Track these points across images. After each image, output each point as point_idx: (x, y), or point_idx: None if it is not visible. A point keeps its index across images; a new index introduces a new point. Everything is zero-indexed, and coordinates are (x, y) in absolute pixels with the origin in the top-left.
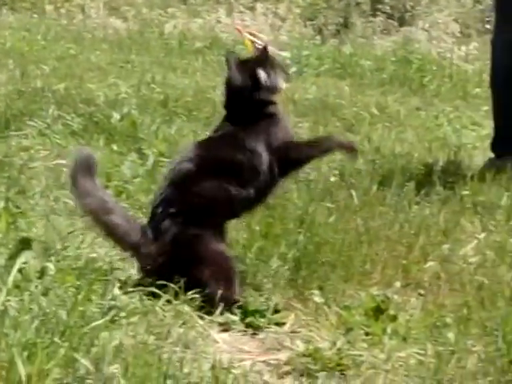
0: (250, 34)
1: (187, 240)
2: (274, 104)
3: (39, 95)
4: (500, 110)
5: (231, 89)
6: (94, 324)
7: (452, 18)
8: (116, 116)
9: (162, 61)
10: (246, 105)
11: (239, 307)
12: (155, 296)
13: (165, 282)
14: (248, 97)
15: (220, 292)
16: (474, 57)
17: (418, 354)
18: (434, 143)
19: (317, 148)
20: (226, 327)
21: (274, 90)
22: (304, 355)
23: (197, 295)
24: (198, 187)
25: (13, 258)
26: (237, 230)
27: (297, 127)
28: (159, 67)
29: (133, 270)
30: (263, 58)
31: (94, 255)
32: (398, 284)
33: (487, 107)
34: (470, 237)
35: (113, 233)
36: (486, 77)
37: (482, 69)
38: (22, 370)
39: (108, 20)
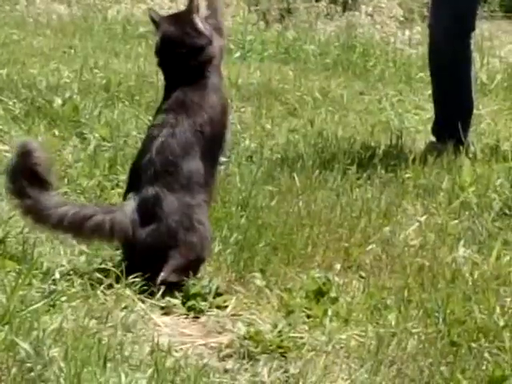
0: None
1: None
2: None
3: None
4: (439, 94)
5: (170, 43)
6: (33, 307)
7: (396, 2)
8: (58, 101)
9: (105, 46)
10: (189, 57)
11: (180, 291)
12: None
13: (106, 267)
14: (191, 47)
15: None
16: (417, 41)
17: (358, 335)
18: (376, 127)
19: None
20: (167, 311)
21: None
22: (245, 338)
23: (138, 279)
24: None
25: None
26: None
27: (240, 112)
28: (102, 52)
29: (74, 257)
30: (192, 9)
31: (36, 240)
32: (339, 266)
33: (430, 91)
34: (411, 219)
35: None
36: None
37: (425, 53)
38: None
39: (52, 5)
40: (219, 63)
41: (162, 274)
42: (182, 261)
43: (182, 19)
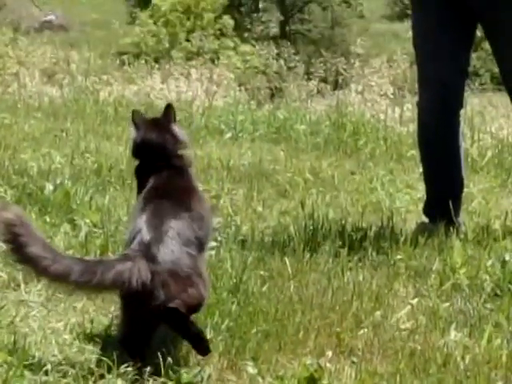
0: None
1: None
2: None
3: None
4: (429, 172)
5: (149, 146)
6: None
7: (385, 80)
8: (49, 187)
9: (96, 129)
10: (164, 160)
11: (171, 379)
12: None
13: (99, 357)
14: (169, 152)
15: None
16: (407, 118)
17: None
18: (367, 208)
19: None
20: None
21: (186, 144)
22: None
23: (130, 368)
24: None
25: None
26: None
27: (231, 194)
28: (94, 135)
29: (66, 347)
30: (170, 116)
31: (27, 330)
32: (331, 352)
33: (421, 169)
34: (402, 302)
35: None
36: None
37: (416, 130)
38: None
39: (43, 88)
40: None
41: (176, 301)
42: (193, 300)
43: (161, 125)
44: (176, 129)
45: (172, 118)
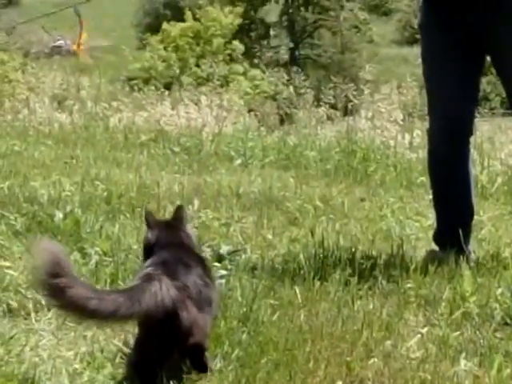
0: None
1: None
2: None
3: None
4: (438, 200)
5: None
6: None
7: (395, 106)
8: (59, 215)
9: (106, 155)
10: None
11: None
12: None
13: None
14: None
15: None
16: (417, 144)
17: None
18: (377, 235)
19: None
20: None
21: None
22: None
23: None
24: None
25: None
26: None
27: (241, 222)
28: (104, 162)
29: (76, 376)
30: (182, 217)
31: (37, 359)
32: (341, 382)
33: (431, 196)
34: (412, 331)
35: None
36: None
37: (426, 156)
38: None
39: (53, 114)
40: None
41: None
42: (208, 328)
43: (174, 226)
44: (187, 228)
45: (184, 220)
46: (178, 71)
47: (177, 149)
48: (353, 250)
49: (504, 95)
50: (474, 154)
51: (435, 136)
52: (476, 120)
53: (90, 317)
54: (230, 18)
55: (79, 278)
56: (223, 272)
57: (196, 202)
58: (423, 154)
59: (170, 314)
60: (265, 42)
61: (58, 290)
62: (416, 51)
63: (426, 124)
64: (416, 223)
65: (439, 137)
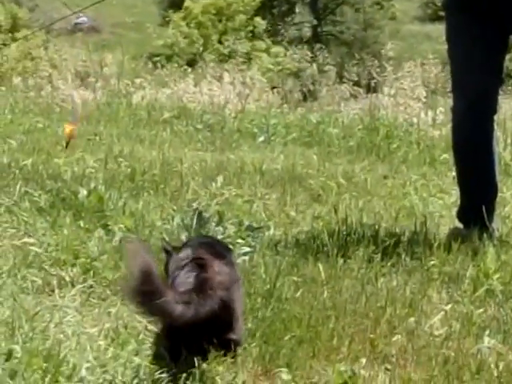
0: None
1: None
2: None
3: (6, 171)
4: (462, 177)
5: None
6: None
7: (418, 83)
8: (83, 192)
9: (129, 132)
10: None
11: None
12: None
13: (133, 362)
14: None
15: None
16: (440, 122)
17: None
18: (400, 212)
19: None
20: None
21: None
22: None
23: (164, 375)
24: None
25: None
26: None
27: (264, 199)
28: (127, 139)
29: (100, 353)
30: None
31: (61, 336)
32: (364, 359)
33: (454, 173)
34: (436, 308)
35: None
36: None
37: (449, 134)
38: None
39: (76, 91)
40: None
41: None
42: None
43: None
44: None
45: None
46: (201, 48)
47: (200, 126)
48: (376, 227)
49: None
50: (497, 131)
51: (459, 114)
52: (499, 97)
53: (176, 321)
54: None
55: (165, 282)
56: (247, 249)
57: (219, 179)
58: (446, 131)
59: (221, 310)
60: (288, 19)
61: (149, 297)
62: (439, 28)
63: (449, 101)
64: (439, 200)
65: (463, 114)
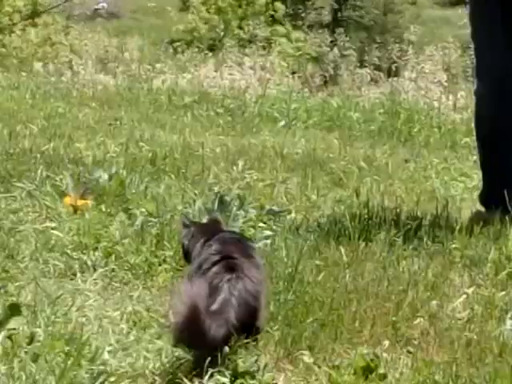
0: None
1: None
2: None
3: (27, 156)
4: (485, 161)
5: None
6: None
7: (439, 67)
8: (104, 176)
9: (150, 117)
10: None
11: (228, 369)
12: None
13: (155, 346)
14: None
15: None
16: (461, 105)
17: None
18: (422, 196)
19: None
20: None
21: None
22: None
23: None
24: None
25: (2, 324)
26: None
27: (285, 183)
28: (148, 124)
29: (123, 336)
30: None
31: (83, 319)
32: (387, 342)
33: (475, 157)
34: (458, 291)
35: None
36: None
37: (470, 118)
38: None
39: (97, 76)
40: None
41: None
42: None
43: (212, 227)
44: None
45: (221, 221)
46: (221, 33)
47: (220, 110)
48: (397, 210)
49: None
50: None
51: (483, 98)
52: None
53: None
54: None
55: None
56: (268, 233)
57: (240, 163)
58: (467, 115)
59: (251, 316)
60: (308, 3)
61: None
62: (459, 12)
63: (470, 85)
64: (461, 184)
65: (487, 98)
